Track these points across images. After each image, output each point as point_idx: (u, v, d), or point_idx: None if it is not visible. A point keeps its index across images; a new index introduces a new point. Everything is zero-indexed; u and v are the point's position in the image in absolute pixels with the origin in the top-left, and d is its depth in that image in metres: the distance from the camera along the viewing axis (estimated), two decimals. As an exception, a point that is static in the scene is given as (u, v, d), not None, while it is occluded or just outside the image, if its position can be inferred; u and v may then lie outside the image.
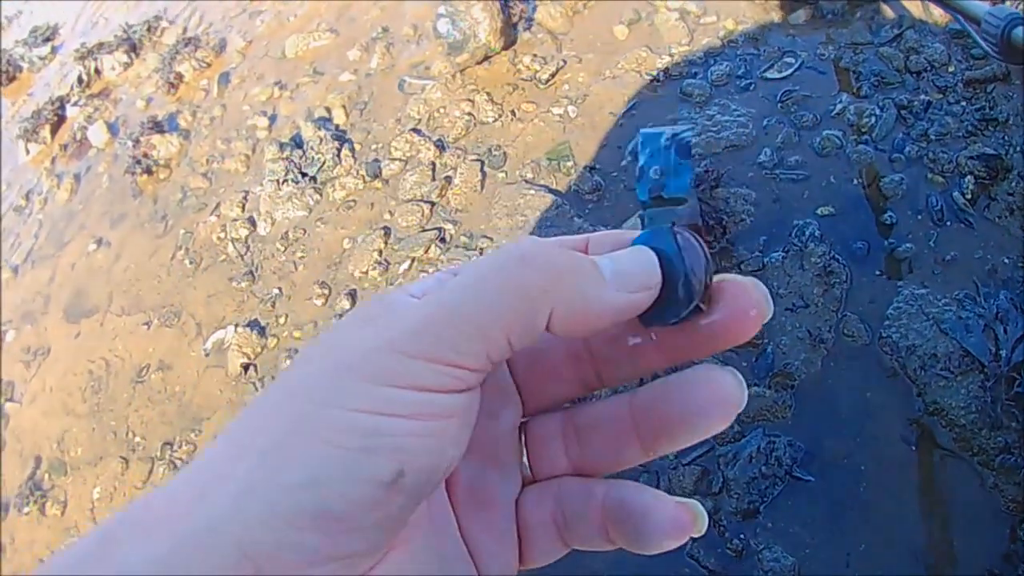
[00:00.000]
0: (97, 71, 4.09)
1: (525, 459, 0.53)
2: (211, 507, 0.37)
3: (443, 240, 2.57)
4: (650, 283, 0.46)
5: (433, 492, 0.44)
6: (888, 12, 2.62)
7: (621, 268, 0.45)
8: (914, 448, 1.83)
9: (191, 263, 2.97)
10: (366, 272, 2.59)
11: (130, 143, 3.45)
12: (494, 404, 0.51)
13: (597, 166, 2.55)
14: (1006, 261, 2.02)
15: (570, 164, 2.60)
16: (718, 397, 0.47)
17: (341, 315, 2.49)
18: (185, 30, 4.05)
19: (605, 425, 0.51)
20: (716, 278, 0.48)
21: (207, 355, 2.68)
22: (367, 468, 0.38)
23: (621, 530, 0.49)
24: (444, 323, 0.41)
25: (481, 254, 2.44)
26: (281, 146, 3.01)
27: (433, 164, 2.77)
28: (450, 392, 0.41)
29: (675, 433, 0.48)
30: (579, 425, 0.52)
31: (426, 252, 2.55)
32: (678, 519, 0.47)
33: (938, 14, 2.53)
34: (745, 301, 0.47)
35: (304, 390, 0.40)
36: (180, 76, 3.74)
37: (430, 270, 2.48)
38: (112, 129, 3.78)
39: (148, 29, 4.13)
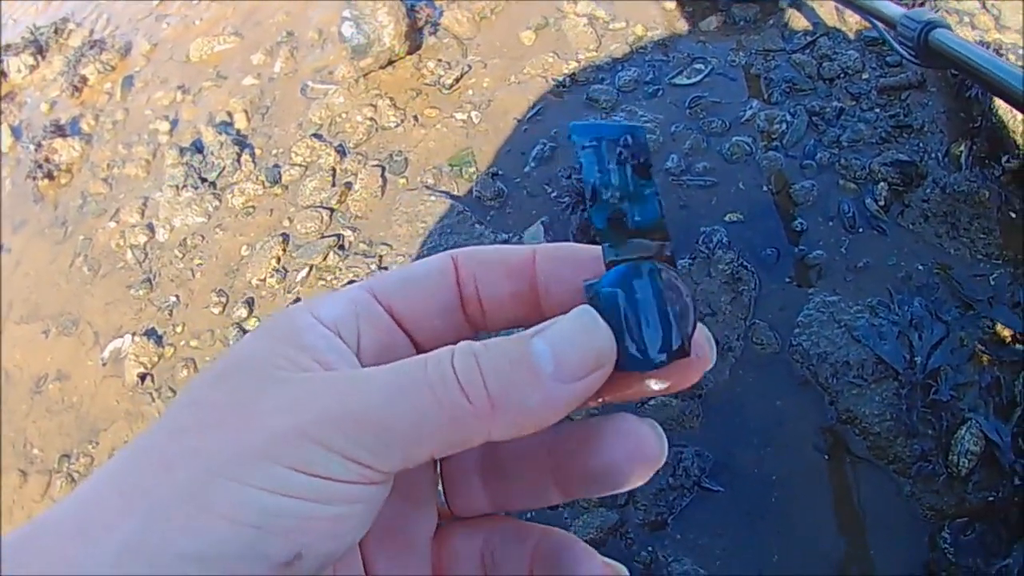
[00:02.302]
0: (3, 73, 3.92)
1: (441, 495, 0.51)
2: (92, 556, 0.35)
3: (342, 247, 2.46)
4: (601, 362, 0.41)
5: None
6: (801, 19, 2.55)
7: (562, 354, 0.40)
8: (827, 457, 1.74)
9: (90, 270, 2.84)
10: (264, 280, 2.47)
11: (32, 147, 3.31)
12: None
13: (500, 172, 2.44)
14: (920, 268, 1.93)
15: (472, 170, 2.49)
16: (638, 454, 0.44)
17: (239, 323, 2.41)
18: (91, 32, 3.91)
19: (523, 465, 0.48)
20: None
21: (104, 364, 2.55)
22: (262, 548, 0.36)
23: None
24: (364, 425, 0.38)
25: (380, 261, 2.36)
26: (181, 151, 2.90)
27: (333, 170, 2.67)
28: (359, 484, 0.39)
29: (592, 484, 0.46)
30: (497, 461, 0.49)
31: (324, 259, 2.44)
32: None
33: (853, 21, 2.46)
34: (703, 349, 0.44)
35: (202, 453, 0.37)
36: (84, 79, 3.60)
37: (328, 278, 2.39)
38: (16, 132, 3.62)
39: (55, 31, 3.97)
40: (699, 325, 0.43)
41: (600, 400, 0.46)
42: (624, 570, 0.48)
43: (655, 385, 0.44)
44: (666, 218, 0.43)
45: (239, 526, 0.36)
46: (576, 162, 0.43)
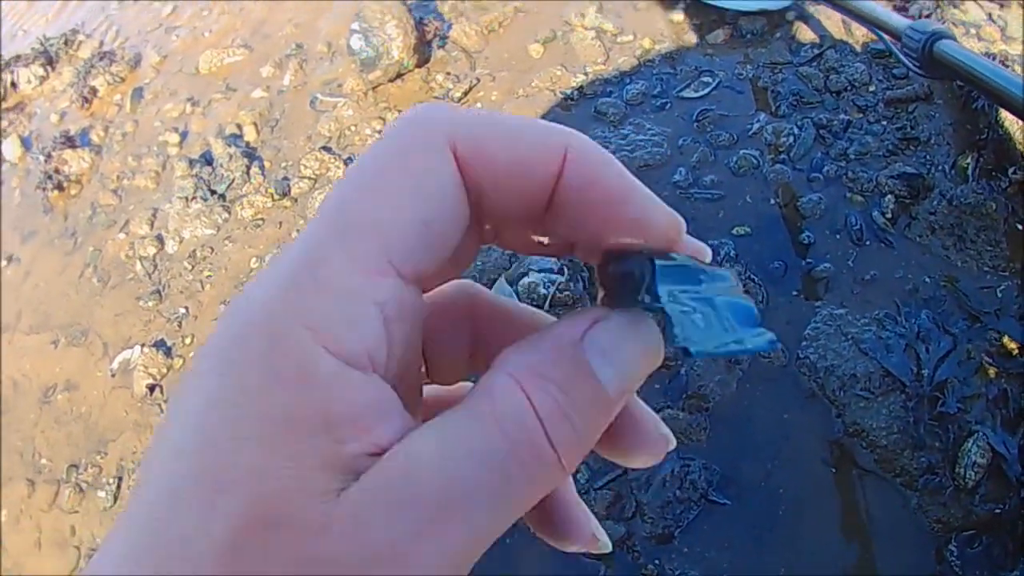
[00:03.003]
0: (13, 84, 3.93)
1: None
2: None
3: (351, 261, 2.43)
4: (651, 370, 0.37)
5: None
6: (808, 32, 2.55)
7: (623, 373, 0.35)
8: (834, 470, 1.73)
9: (99, 281, 2.83)
10: None
11: (42, 158, 3.31)
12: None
13: (507, 185, 2.42)
14: (927, 280, 1.93)
15: (480, 184, 2.47)
16: None
17: None
18: (101, 44, 3.92)
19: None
20: None
21: (113, 375, 2.54)
22: None
23: None
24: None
25: None
26: (191, 163, 2.90)
27: (342, 183, 2.64)
28: None
29: None
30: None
31: (333, 272, 2.41)
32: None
33: (860, 34, 2.47)
34: None
35: None
36: (94, 91, 3.60)
37: None
38: (25, 143, 3.61)
39: (65, 42, 3.97)
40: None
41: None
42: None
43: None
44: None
45: None
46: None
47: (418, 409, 0.41)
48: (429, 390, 0.45)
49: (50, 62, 3.94)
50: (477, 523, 0.31)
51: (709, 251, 0.41)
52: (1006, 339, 1.80)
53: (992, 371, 1.76)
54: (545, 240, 0.42)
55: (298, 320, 0.31)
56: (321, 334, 0.31)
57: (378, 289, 0.33)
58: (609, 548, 0.44)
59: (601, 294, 0.39)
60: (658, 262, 0.35)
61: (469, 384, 0.44)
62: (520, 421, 0.32)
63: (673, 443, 0.42)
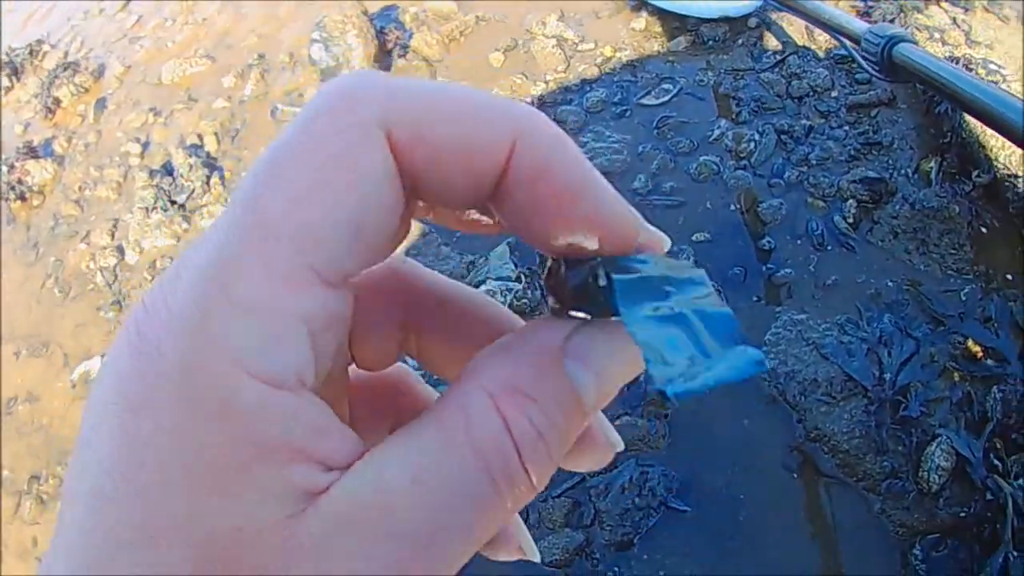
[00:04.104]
0: (-22, 95, 3.90)
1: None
2: None
3: (309, 270, 2.40)
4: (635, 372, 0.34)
5: None
6: (771, 39, 2.54)
7: (604, 385, 0.33)
8: (796, 475, 1.70)
9: (60, 292, 2.79)
10: None
11: (5, 169, 3.27)
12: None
13: (466, 194, 2.39)
14: (890, 284, 1.90)
15: (438, 193, 2.44)
16: None
17: None
18: (66, 55, 3.89)
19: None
20: None
21: (74, 386, 2.51)
22: None
23: None
24: None
25: None
26: (151, 173, 2.87)
27: (301, 193, 2.60)
28: None
29: None
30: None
31: (291, 282, 2.37)
32: None
33: (822, 40, 2.45)
34: None
35: None
36: (58, 101, 3.56)
37: None
38: (-10, 154, 3.58)
39: (30, 53, 3.95)
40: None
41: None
42: None
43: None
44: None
45: None
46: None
47: (344, 408, 0.39)
48: (355, 373, 0.40)
49: (15, 72, 3.91)
50: (453, 553, 0.29)
51: (667, 241, 0.36)
52: (970, 342, 1.77)
53: (956, 374, 1.73)
54: (484, 220, 0.38)
55: (213, 346, 0.27)
56: (242, 360, 0.27)
57: (301, 302, 0.28)
58: (537, 557, 0.40)
59: (552, 301, 0.36)
60: (616, 278, 0.31)
61: (403, 367, 0.42)
62: (499, 448, 0.30)
63: (620, 447, 0.39)
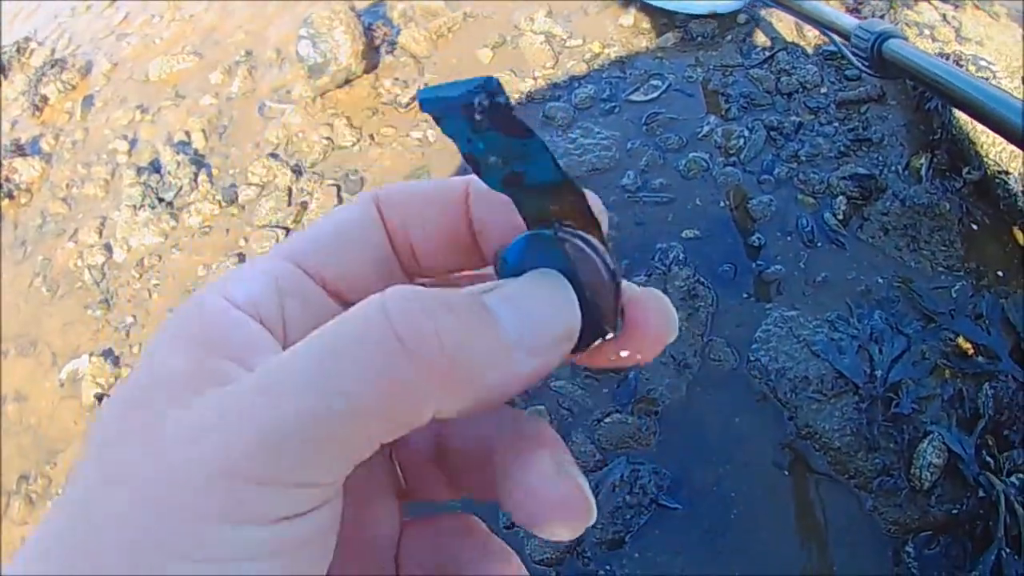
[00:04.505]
0: (-35, 93, 3.88)
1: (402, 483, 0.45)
2: None
3: (298, 267, 2.39)
4: (571, 333, 0.36)
5: None
6: (760, 35, 2.53)
7: (530, 322, 0.34)
8: (787, 473, 1.68)
9: (48, 290, 2.77)
10: None
11: (-8, 166, 3.26)
12: None
13: (454, 191, 2.38)
14: (880, 281, 1.89)
15: (427, 189, 2.43)
16: (547, 508, 0.36)
17: None
18: (53, 52, 3.87)
19: (473, 454, 0.41)
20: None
21: (62, 385, 2.48)
22: None
23: None
24: (291, 435, 0.30)
25: None
26: (139, 171, 2.85)
27: (289, 189, 2.62)
28: (306, 514, 0.32)
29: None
30: (450, 449, 0.43)
31: (280, 279, 2.35)
32: None
33: (811, 36, 2.44)
34: (652, 324, 0.38)
35: (120, 524, 0.30)
36: (45, 99, 3.55)
37: None
38: (-24, 153, 3.56)
39: (17, 50, 3.92)
40: (656, 293, 0.39)
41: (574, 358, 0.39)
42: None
43: (622, 353, 0.39)
44: (568, 172, 0.37)
45: None
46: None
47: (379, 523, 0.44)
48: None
49: (2, 70, 3.89)
50: (333, 405, 0.31)
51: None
52: (961, 339, 1.77)
53: (947, 371, 1.72)
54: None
55: (217, 284, 0.38)
56: (221, 287, 0.38)
57: (272, 266, 0.40)
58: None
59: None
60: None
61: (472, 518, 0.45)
62: (401, 307, 0.32)
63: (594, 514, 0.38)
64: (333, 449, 0.31)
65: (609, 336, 0.37)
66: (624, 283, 0.38)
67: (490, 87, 0.33)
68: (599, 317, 0.37)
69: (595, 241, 0.38)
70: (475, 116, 0.33)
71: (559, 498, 0.36)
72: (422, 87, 2.19)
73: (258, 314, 0.37)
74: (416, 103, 2.68)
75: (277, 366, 0.32)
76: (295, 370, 0.32)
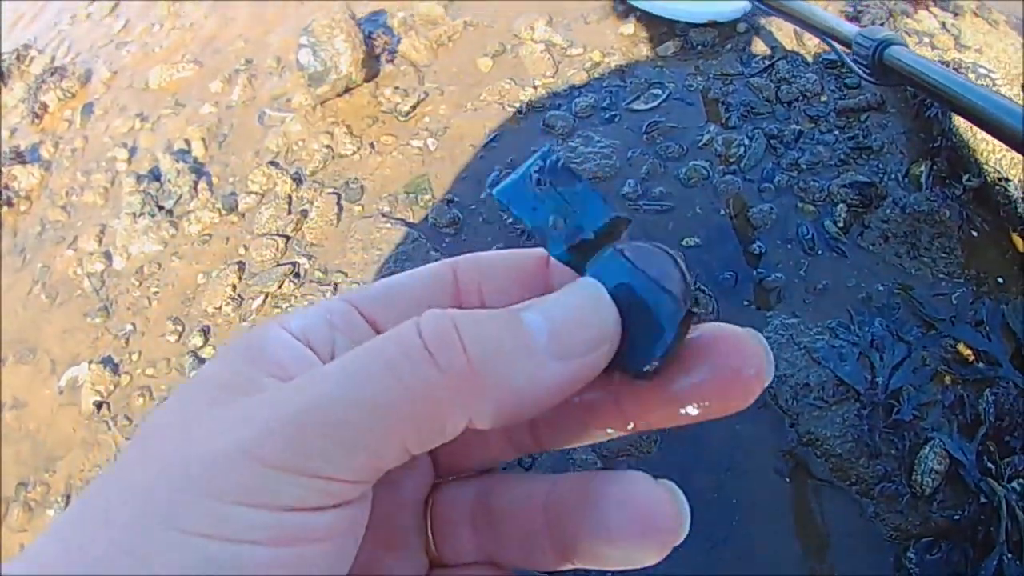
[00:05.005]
0: (-34, 100, 3.88)
1: (431, 539, 0.43)
2: None
3: (297, 275, 2.41)
4: (605, 336, 0.35)
5: None
6: (760, 44, 2.53)
7: (560, 325, 0.34)
8: (788, 480, 1.68)
9: (47, 297, 2.78)
10: (219, 308, 2.42)
11: (-8, 173, 3.27)
12: (396, 468, 0.35)
13: (455, 199, 2.39)
14: (880, 288, 1.89)
15: (428, 197, 2.44)
16: (642, 521, 0.36)
17: (194, 352, 2.36)
18: (53, 59, 3.89)
19: (518, 515, 0.40)
20: (699, 328, 0.37)
21: (61, 393, 2.49)
22: None
23: None
24: (314, 426, 0.31)
25: (335, 289, 2.32)
26: (139, 178, 2.85)
27: (289, 197, 2.62)
28: (322, 510, 0.32)
29: (585, 552, 0.37)
30: (493, 507, 0.42)
31: (280, 287, 2.38)
32: None
33: (812, 44, 2.45)
34: (738, 357, 0.36)
35: (140, 495, 0.31)
36: (45, 106, 3.56)
37: (283, 305, 2.34)
38: (-24, 160, 3.56)
39: (17, 58, 3.93)
40: (750, 331, 0.37)
41: (630, 427, 0.39)
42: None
43: (692, 410, 0.37)
44: (617, 208, 0.38)
45: None
46: (515, 219, 0.39)
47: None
48: None
49: (1, 77, 3.89)
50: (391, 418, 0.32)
51: None
52: (961, 346, 1.77)
53: (948, 378, 1.72)
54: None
55: (277, 317, 0.40)
56: (280, 318, 0.40)
57: (329, 305, 0.42)
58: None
59: None
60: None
61: None
62: (403, 332, 0.34)
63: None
64: (356, 445, 0.32)
65: (655, 363, 0.35)
66: (715, 324, 0.37)
67: (545, 153, 0.38)
68: (676, 312, 0.36)
69: (660, 247, 0.38)
70: (538, 179, 0.38)
71: (657, 502, 0.36)
72: (422, 95, 2.18)
73: (307, 341, 0.39)
74: (412, 114, 2.70)
75: (314, 372, 0.34)
76: (329, 372, 0.33)
